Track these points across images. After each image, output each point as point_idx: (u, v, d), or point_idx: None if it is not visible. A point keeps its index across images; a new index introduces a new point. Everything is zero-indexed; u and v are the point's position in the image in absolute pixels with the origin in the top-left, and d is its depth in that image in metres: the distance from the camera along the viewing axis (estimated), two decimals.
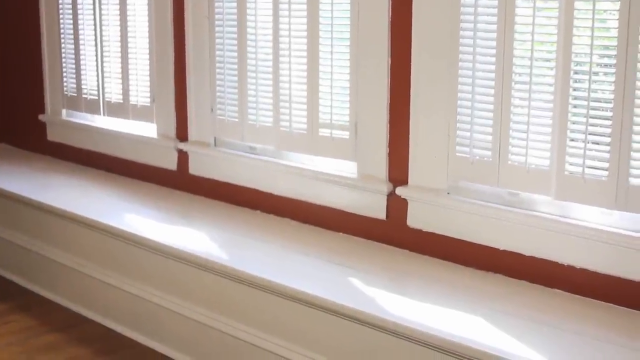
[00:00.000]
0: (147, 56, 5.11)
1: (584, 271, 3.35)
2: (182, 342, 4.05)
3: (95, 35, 5.44)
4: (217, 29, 4.61)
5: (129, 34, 5.20)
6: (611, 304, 3.28)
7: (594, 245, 3.30)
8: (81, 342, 4.28)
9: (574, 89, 3.28)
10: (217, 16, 4.60)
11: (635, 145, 3.15)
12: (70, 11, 5.58)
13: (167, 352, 4.12)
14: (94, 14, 5.43)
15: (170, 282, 4.08)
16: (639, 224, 3.23)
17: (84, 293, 4.60)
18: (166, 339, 4.14)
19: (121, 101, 5.33)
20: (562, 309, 3.27)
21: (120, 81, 5.32)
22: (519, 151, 3.48)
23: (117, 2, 5.23)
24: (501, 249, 3.59)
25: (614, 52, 3.16)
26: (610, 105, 3.19)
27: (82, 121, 5.70)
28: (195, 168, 4.90)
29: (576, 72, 3.27)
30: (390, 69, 3.89)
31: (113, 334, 4.38)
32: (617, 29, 3.14)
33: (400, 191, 3.89)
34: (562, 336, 3.03)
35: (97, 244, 4.47)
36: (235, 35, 4.52)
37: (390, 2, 3.85)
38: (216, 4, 4.59)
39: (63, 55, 5.71)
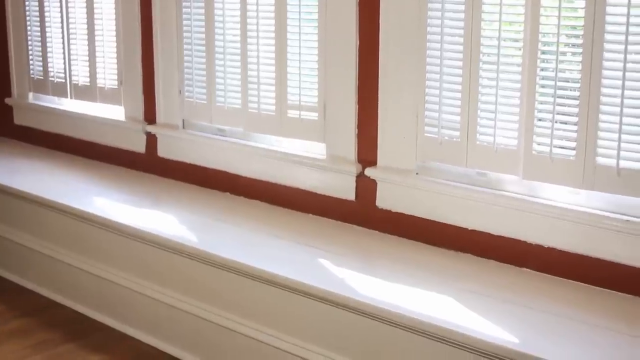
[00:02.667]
0: (114, 38, 5.08)
1: (552, 250, 3.38)
2: (153, 326, 4.04)
3: (62, 17, 5.39)
4: (184, 10, 4.58)
5: (96, 16, 5.16)
6: (579, 282, 3.31)
7: (562, 224, 3.33)
8: (51, 326, 4.26)
9: (542, 69, 3.30)
10: None
11: (602, 125, 3.17)
12: None
13: (138, 335, 4.11)
14: None
15: (140, 266, 4.07)
16: (605, 203, 3.25)
17: (53, 277, 4.57)
18: (136, 322, 4.13)
19: (88, 84, 5.30)
20: (530, 287, 3.29)
21: (87, 64, 5.28)
22: (487, 131, 3.49)
23: None
24: (470, 228, 3.61)
25: (581, 33, 3.18)
26: (578, 85, 3.20)
27: (49, 104, 5.65)
28: (164, 151, 4.88)
29: (544, 53, 3.28)
30: (359, 50, 3.88)
31: (83, 317, 4.36)
32: (584, 9, 3.15)
33: (369, 172, 3.90)
34: (531, 314, 3.05)
35: (66, 228, 4.45)
36: (202, 17, 4.50)
37: None
38: None
39: (29, 37, 5.66)
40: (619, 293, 3.21)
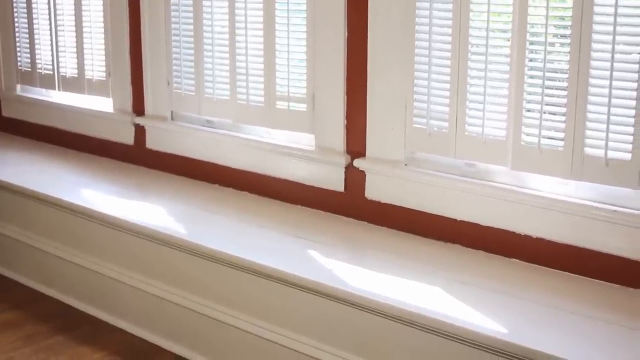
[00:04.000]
0: (102, 30, 5.06)
1: (540, 240, 3.39)
2: (141, 317, 4.04)
3: (49, 8, 5.36)
4: (172, 1, 4.57)
5: (83, 7, 5.13)
6: (567, 273, 3.32)
7: (550, 215, 3.34)
8: (40, 318, 4.26)
9: (530, 60, 3.30)
10: None
11: (590, 116, 3.17)
12: None
13: (127, 327, 4.11)
14: None
15: (129, 257, 4.06)
16: (594, 194, 3.26)
17: (41, 270, 4.56)
18: (125, 314, 4.12)
19: (76, 76, 5.28)
20: (519, 278, 3.30)
21: (75, 55, 5.26)
22: (476, 122, 3.49)
23: None
24: (458, 219, 3.62)
25: (569, 23, 3.18)
26: (566, 76, 3.21)
27: (37, 96, 5.63)
28: (153, 142, 4.87)
29: (532, 43, 3.29)
30: (347, 41, 3.88)
31: (72, 310, 4.35)
32: (572, 0, 3.15)
33: (358, 163, 3.90)
34: (520, 305, 3.06)
35: (54, 220, 4.44)
36: (191, 8, 4.49)
37: None
38: None
39: (16, 29, 5.63)
40: (607, 283, 3.22)
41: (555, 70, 3.26)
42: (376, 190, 3.87)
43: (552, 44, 3.26)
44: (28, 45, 5.56)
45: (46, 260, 4.52)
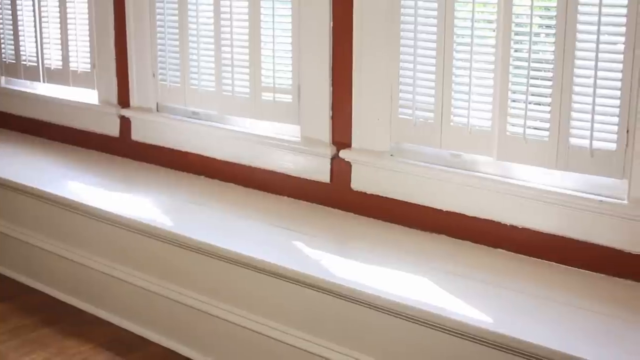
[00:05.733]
0: (87, 21, 5.04)
1: (526, 230, 3.39)
2: (128, 309, 4.03)
3: (33, 0, 5.34)
4: None
5: None
6: (553, 263, 3.33)
7: (536, 205, 3.34)
8: (25, 311, 4.24)
9: (515, 50, 3.31)
10: None
11: (575, 106, 3.18)
12: None
13: (113, 319, 4.10)
14: None
15: (115, 250, 4.06)
16: (579, 184, 3.27)
17: (27, 262, 4.55)
18: (112, 306, 4.12)
19: (61, 67, 5.26)
20: (505, 268, 3.31)
21: (59, 47, 5.24)
22: (461, 112, 3.50)
23: None
24: (444, 209, 3.62)
25: (554, 14, 3.18)
26: (551, 67, 3.21)
27: (21, 88, 5.61)
28: (138, 134, 4.86)
29: (517, 34, 3.29)
30: (333, 32, 3.88)
31: (58, 302, 4.34)
32: None
33: (343, 154, 3.90)
34: (505, 295, 3.06)
35: (40, 212, 4.42)
36: None
37: None
38: None
39: (0, 21, 5.60)
40: (593, 273, 3.23)
41: (540, 61, 3.26)
42: (362, 181, 3.87)
43: (538, 34, 3.26)
44: (12, 37, 5.54)
45: (32, 253, 4.50)
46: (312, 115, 4.00)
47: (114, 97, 4.96)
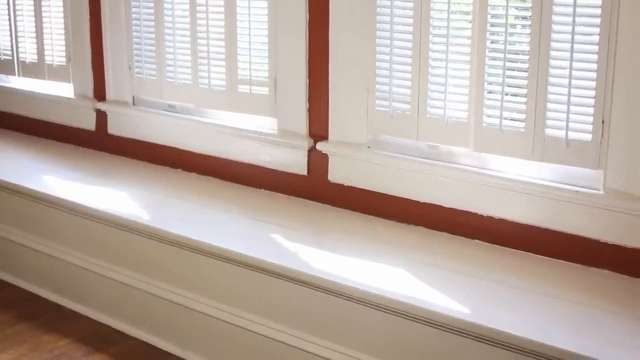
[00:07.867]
0: (62, 14, 5.01)
1: (502, 221, 3.41)
2: (106, 304, 4.02)
3: None
4: None
5: None
6: (530, 253, 3.35)
7: (512, 196, 3.36)
8: (2, 307, 4.22)
9: (491, 42, 3.32)
10: None
11: (551, 97, 3.19)
12: None
13: (91, 314, 4.09)
14: None
15: (93, 244, 4.04)
16: (555, 174, 3.28)
17: (4, 257, 4.53)
18: (90, 301, 4.10)
19: (36, 61, 5.23)
20: (482, 259, 3.32)
21: (34, 40, 5.21)
22: (438, 104, 3.51)
23: None
24: (421, 201, 3.63)
25: (529, 5, 3.19)
26: (527, 58, 3.22)
27: None
28: (114, 128, 4.85)
29: (493, 25, 3.30)
30: (309, 25, 3.87)
31: (35, 297, 4.32)
32: None
33: (320, 146, 3.90)
34: (483, 285, 3.07)
35: (16, 207, 4.40)
36: None
37: None
38: None
39: None
40: (570, 263, 3.25)
41: (516, 52, 3.27)
42: (339, 173, 3.88)
43: (513, 26, 3.27)
44: None
45: (8, 247, 4.48)
46: (288, 108, 4.00)
47: (89, 90, 4.94)
